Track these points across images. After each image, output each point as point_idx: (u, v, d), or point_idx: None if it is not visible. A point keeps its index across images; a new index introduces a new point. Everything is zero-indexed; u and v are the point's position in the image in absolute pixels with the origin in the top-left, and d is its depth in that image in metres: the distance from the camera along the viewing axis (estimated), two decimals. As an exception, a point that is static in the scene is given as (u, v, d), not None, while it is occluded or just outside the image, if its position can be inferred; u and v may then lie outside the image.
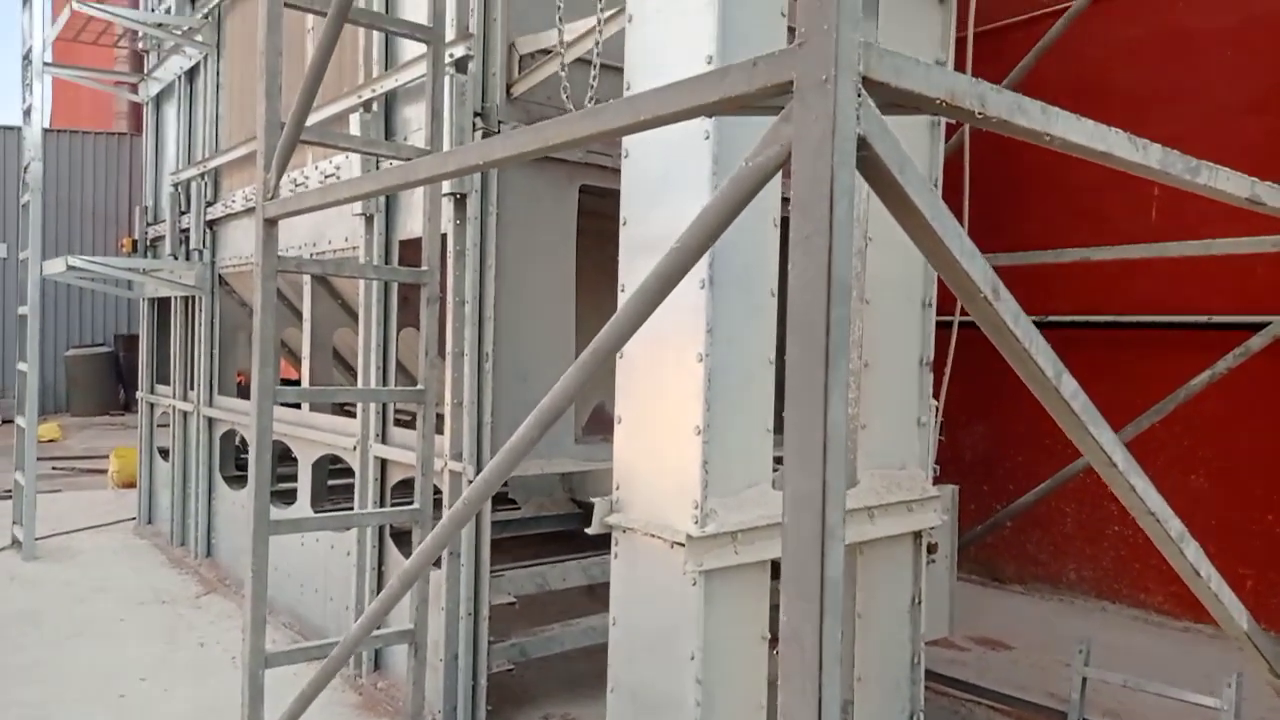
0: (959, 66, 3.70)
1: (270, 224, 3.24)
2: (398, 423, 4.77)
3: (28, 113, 7.03)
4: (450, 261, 3.99)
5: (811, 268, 1.39)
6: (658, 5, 2.83)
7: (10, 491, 7.53)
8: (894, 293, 3.27)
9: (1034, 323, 5.46)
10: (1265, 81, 5.01)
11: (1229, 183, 2.19)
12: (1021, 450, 6.27)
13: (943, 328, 3.56)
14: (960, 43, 3.77)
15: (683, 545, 2.63)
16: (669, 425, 2.78)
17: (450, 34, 3.84)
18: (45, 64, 7.07)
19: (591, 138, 1.88)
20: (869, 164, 1.45)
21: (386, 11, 4.45)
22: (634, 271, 2.97)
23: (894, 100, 1.50)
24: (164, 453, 7.68)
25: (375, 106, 4.52)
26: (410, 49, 4.33)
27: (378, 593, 4.62)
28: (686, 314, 2.75)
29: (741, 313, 2.81)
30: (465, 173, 2.47)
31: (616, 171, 3.16)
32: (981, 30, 4.64)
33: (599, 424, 5.72)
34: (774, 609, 2.66)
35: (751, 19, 2.68)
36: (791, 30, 2.78)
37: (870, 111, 1.41)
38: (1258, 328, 4.81)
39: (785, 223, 2.16)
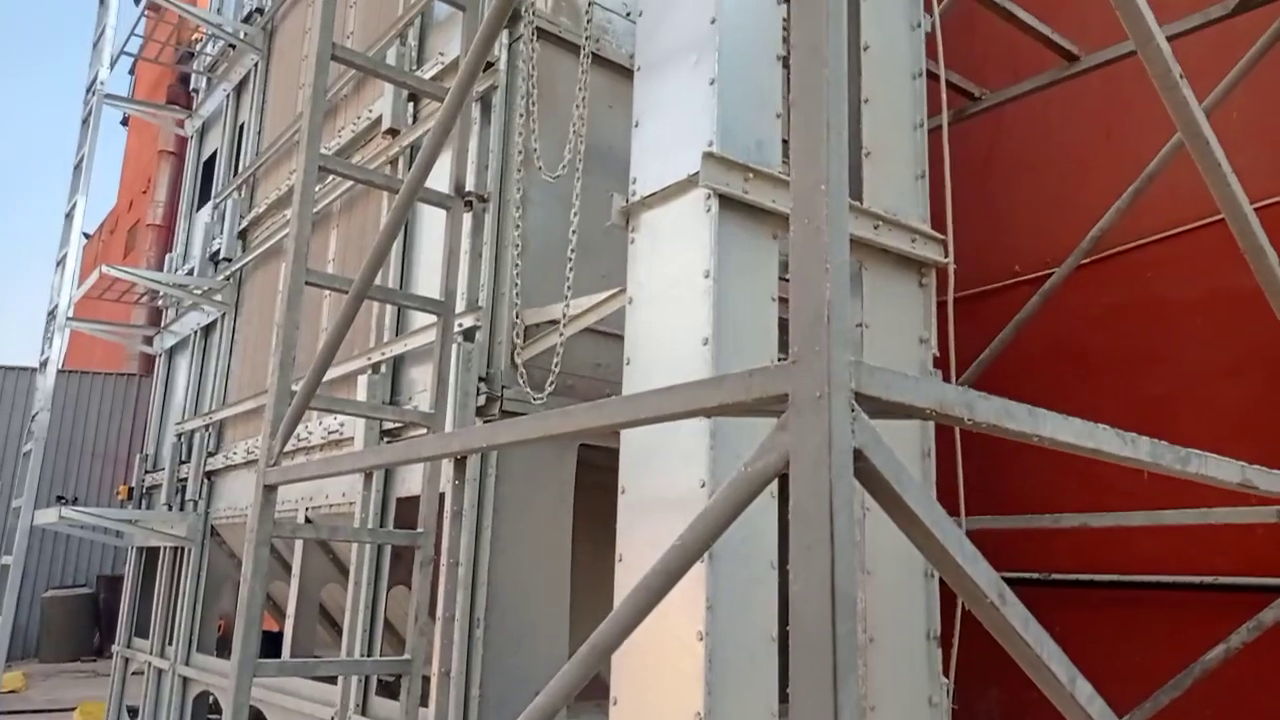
0: (941, 332, 3.88)
1: (270, 489, 3.26)
2: (382, 687, 4.54)
3: (44, 364, 7.26)
4: (447, 522, 3.96)
5: (814, 579, 1.38)
6: (656, 290, 3.00)
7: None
8: (895, 563, 3.23)
9: (1036, 580, 5.31)
10: (1237, 348, 5.23)
11: (1220, 469, 2.23)
12: (1039, 719, 5.93)
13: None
14: (941, 307, 3.95)
15: None
16: (668, 710, 2.65)
17: (460, 306, 4.04)
18: (68, 318, 7.39)
19: (593, 430, 1.93)
20: (866, 474, 1.48)
21: (401, 286, 4.72)
22: (632, 543, 2.95)
23: (886, 410, 1.56)
24: (133, 712, 7.25)
25: (383, 368, 4.68)
26: (420, 316, 4.55)
27: None
28: (685, 589, 2.70)
29: (742, 586, 2.76)
30: (468, 452, 2.51)
31: (615, 431, 3.21)
32: (961, 295, 4.87)
33: (594, 688, 5.44)
34: None
35: (744, 306, 2.84)
36: (784, 300, 2.94)
37: (864, 424, 1.46)
38: (1262, 589, 4.73)
39: (784, 482, 2.16)
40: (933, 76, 3.94)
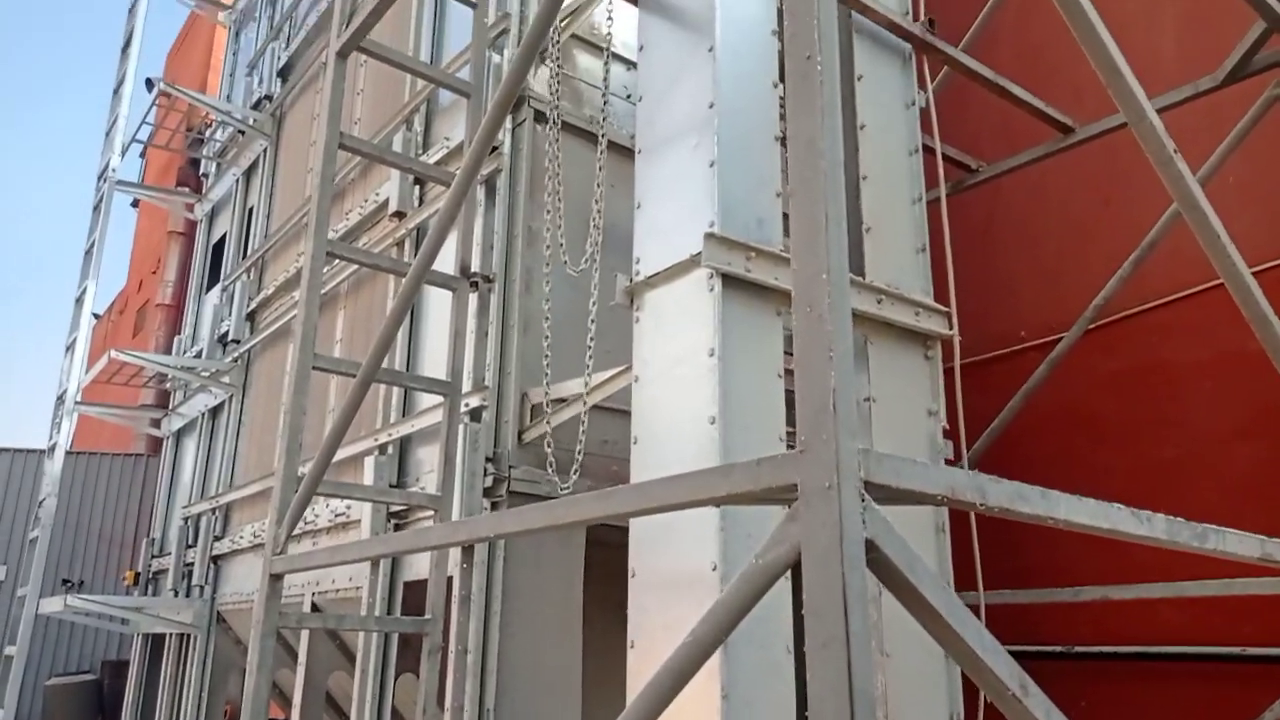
0: (949, 400, 3.85)
1: (276, 579, 3.21)
2: (390, 779, 4.42)
3: (53, 449, 7.26)
4: (455, 607, 3.90)
5: (830, 679, 1.35)
6: (661, 369, 3.00)
7: None
8: (915, 644, 3.15)
9: (1058, 654, 5.14)
10: (1245, 410, 5.18)
11: (1239, 544, 2.19)
12: (1069, 797, 5.72)
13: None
14: (948, 374, 3.92)
15: None
16: (684, 804, 2.56)
17: (467, 386, 4.05)
18: (76, 403, 7.41)
19: (601, 519, 1.91)
20: (879, 565, 1.45)
21: (407, 366, 4.73)
22: (644, 628, 2.88)
23: (896, 497, 1.54)
24: (133, 807, 7.06)
25: (390, 449, 4.66)
26: (427, 396, 4.55)
27: None
28: (699, 677, 2.63)
29: (757, 674, 2.69)
30: (475, 541, 2.48)
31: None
32: (968, 362, 4.84)
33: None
34: None
35: (749, 384, 2.83)
36: (790, 372, 2.91)
37: (875, 514, 1.44)
38: (1292, 659, 4.60)
39: (797, 568, 2.11)
40: (929, 151, 3.99)
